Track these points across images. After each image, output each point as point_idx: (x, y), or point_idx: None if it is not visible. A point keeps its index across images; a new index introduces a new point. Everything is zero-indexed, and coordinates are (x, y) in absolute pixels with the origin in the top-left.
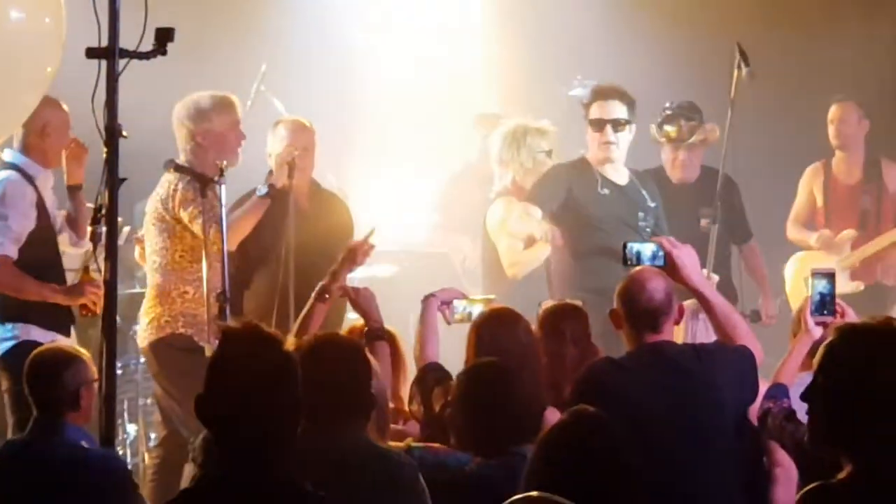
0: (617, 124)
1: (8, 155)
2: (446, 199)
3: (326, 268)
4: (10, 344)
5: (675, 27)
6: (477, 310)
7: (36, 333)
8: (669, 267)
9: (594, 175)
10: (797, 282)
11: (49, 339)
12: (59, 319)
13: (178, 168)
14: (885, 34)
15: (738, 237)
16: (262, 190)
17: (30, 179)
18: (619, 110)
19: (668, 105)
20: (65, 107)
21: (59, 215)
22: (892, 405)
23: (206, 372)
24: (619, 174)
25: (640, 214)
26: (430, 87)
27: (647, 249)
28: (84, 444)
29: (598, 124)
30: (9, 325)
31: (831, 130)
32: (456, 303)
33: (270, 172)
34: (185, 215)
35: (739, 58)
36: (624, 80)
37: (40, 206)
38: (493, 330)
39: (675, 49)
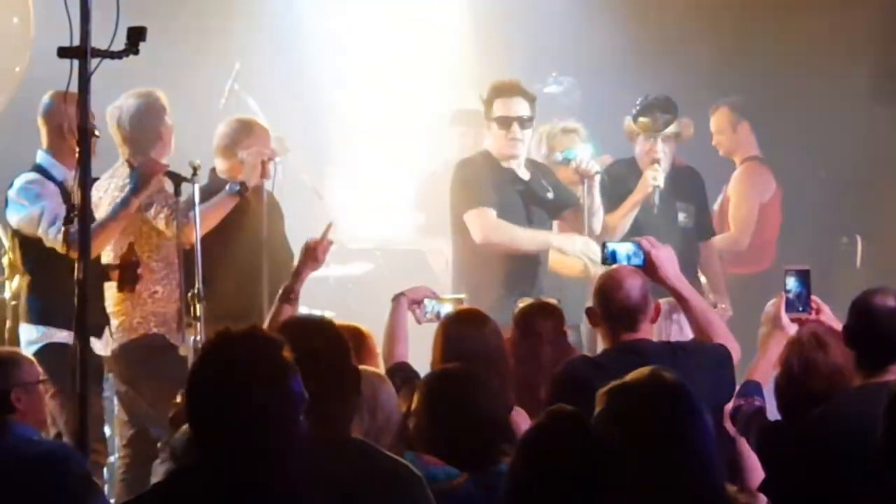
0: (523, 122)
1: (38, 156)
2: (425, 199)
3: (275, 263)
4: (36, 347)
5: (647, 21)
6: (447, 309)
7: (61, 336)
8: (648, 266)
9: (504, 172)
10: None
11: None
12: (94, 322)
13: (169, 174)
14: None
15: (702, 234)
16: (234, 186)
17: (52, 179)
18: (523, 108)
19: (642, 98)
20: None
21: None
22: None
23: (196, 371)
24: (522, 168)
25: (534, 208)
26: (406, 85)
27: (624, 249)
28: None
29: (505, 122)
30: (38, 328)
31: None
32: (426, 301)
33: (213, 169)
34: (149, 213)
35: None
36: (597, 76)
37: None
38: (460, 331)
39: (648, 43)
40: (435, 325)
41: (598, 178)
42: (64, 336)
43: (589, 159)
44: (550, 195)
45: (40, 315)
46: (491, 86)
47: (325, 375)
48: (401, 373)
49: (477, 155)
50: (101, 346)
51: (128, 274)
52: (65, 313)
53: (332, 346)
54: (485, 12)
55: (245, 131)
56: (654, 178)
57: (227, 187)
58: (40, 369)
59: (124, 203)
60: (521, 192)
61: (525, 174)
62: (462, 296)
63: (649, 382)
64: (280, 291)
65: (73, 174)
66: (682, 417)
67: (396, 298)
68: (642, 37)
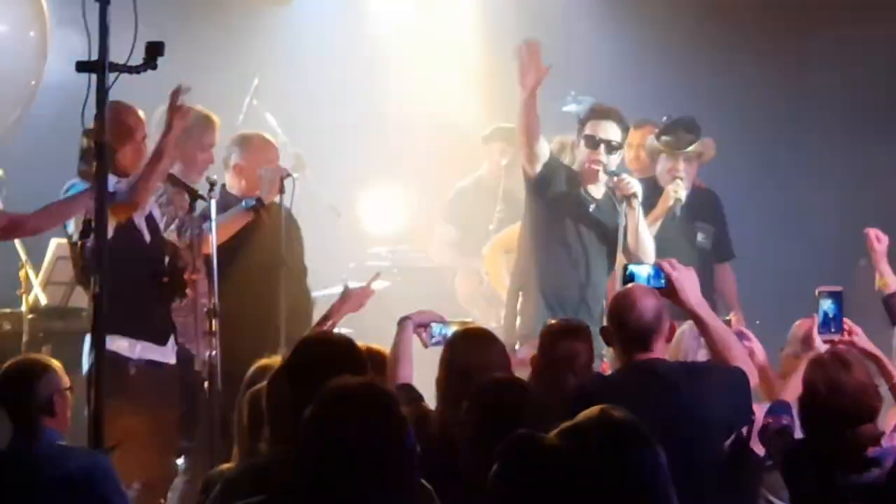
0: (610, 146)
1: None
2: (455, 216)
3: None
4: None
5: (667, 42)
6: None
7: (124, 346)
8: (669, 289)
9: (582, 190)
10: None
11: (138, 350)
12: (155, 329)
13: (172, 180)
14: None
15: (720, 255)
16: (250, 202)
17: None
18: (613, 132)
19: (666, 117)
20: (140, 112)
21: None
22: None
23: (316, 421)
24: (598, 188)
25: (603, 229)
26: (424, 102)
27: (645, 271)
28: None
29: (592, 142)
30: (126, 339)
31: None
32: (433, 325)
33: (223, 185)
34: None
35: None
36: (616, 96)
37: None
38: (465, 349)
39: (667, 64)
40: (438, 350)
41: (637, 201)
42: (126, 346)
43: (631, 178)
44: (623, 222)
45: (122, 326)
46: (591, 107)
47: None
48: (404, 393)
49: (566, 164)
50: (166, 354)
51: (175, 281)
52: (134, 321)
53: (347, 361)
54: (504, 28)
55: (243, 144)
56: (676, 191)
57: (244, 202)
58: (66, 377)
59: (161, 143)
60: (589, 215)
61: (599, 192)
62: (469, 319)
63: (598, 422)
64: (319, 318)
65: (120, 182)
66: (632, 455)
67: (402, 322)
68: (660, 55)
